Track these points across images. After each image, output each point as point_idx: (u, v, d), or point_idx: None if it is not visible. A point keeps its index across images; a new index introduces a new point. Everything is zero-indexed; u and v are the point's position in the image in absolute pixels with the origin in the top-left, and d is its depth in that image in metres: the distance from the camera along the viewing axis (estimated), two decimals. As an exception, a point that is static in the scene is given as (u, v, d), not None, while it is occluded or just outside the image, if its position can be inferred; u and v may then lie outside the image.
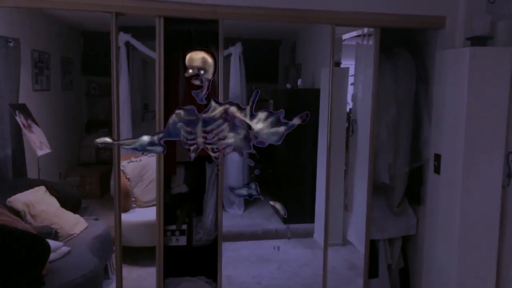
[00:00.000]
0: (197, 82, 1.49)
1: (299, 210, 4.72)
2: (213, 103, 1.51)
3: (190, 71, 1.45)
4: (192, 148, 1.56)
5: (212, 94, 2.82)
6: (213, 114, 1.52)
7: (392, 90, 3.00)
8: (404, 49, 3.05)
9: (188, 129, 1.52)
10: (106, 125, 5.73)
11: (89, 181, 5.09)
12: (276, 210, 1.80)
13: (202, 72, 1.48)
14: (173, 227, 2.99)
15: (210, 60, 1.48)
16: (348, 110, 4.22)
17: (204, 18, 2.57)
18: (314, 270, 3.84)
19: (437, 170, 2.87)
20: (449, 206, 2.75)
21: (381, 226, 3.12)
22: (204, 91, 1.50)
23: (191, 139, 1.53)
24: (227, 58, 4.91)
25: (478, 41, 2.61)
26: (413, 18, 2.80)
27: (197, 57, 1.47)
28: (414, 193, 3.16)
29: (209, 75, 1.47)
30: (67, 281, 2.71)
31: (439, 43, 2.89)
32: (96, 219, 3.89)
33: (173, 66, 2.76)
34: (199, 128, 1.52)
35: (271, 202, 1.75)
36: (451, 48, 2.80)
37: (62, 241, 3.15)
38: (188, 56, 1.46)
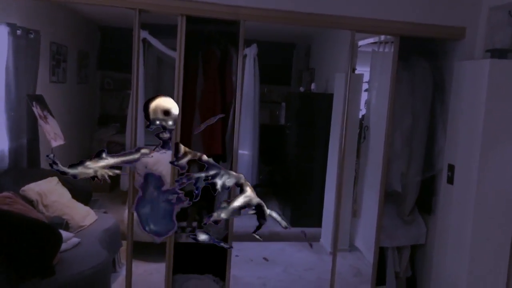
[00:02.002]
0: (166, 136, 1.40)
1: (307, 214, 4.72)
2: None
3: (157, 122, 1.35)
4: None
5: (230, 95, 2.85)
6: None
7: (408, 99, 3.01)
8: (422, 59, 3.05)
9: None
10: (118, 120, 5.77)
11: (99, 175, 5.11)
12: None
13: (170, 123, 1.39)
14: (184, 224, 3.01)
15: (175, 106, 1.39)
16: (360, 116, 4.23)
17: (226, 19, 2.59)
18: (319, 274, 3.84)
19: (450, 180, 2.87)
20: (461, 217, 2.75)
21: (390, 234, 3.12)
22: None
23: None
24: (242, 59, 4.93)
25: (498, 53, 2.61)
26: (433, 27, 2.80)
27: (162, 106, 1.37)
28: (425, 202, 3.16)
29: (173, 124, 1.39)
30: (77, 272, 2.73)
31: (458, 54, 2.89)
32: (105, 212, 3.92)
33: (192, 66, 2.79)
34: None
35: (269, 212, 1.65)
36: (470, 59, 2.80)
37: (73, 232, 3.19)
38: (155, 107, 1.34)
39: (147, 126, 1.39)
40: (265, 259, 4.16)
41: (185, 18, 2.54)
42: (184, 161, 1.38)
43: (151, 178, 1.37)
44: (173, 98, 2.68)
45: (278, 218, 1.54)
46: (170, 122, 1.30)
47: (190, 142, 2.81)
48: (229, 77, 2.83)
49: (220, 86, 2.84)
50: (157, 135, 1.34)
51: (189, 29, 2.60)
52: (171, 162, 1.38)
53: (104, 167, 1.35)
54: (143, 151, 1.37)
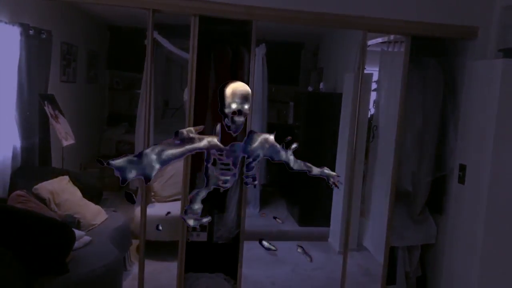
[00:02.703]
0: (241, 120, 1.43)
1: (315, 214, 4.73)
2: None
3: (234, 106, 1.37)
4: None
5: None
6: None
7: (419, 99, 3.01)
8: (433, 58, 3.05)
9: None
10: (127, 119, 5.80)
11: (108, 174, 5.13)
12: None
13: (246, 106, 1.42)
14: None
15: (250, 91, 1.42)
16: (369, 116, 4.23)
17: (239, 19, 2.60)
18: (328, 273, 3.84)
19: (461, 180, 2.87)
20: (472, 217, 2.75)
21: (401, 233, 3.12)
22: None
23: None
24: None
25: (511, 53, 2.60)
26: (445, 27, 2.80)
27: (240, 91, 1.40)
28: (436, 202, 3.16)
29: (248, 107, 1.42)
30: (89, 270, 2.75)
31: (470, 53, 2.88)
32: (114, 211, 3.94)
33: (204, 66, 2.80)
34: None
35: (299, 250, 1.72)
36: (483, 59, 2.80)
37: (84, 231, 3.21)
38: (232, 91, 1.38)
39: (221, 111, 1.42)
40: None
41: (198, 18, 2.55)
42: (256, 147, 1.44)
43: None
44: (185, 98, 2.71)
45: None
46: (246, 106, 1.35)
47: (202, 141, 2.82)
48: (241, 77, 2.84)
49: (232, 86, 2.85)
50: (231, 118, 1.37)
51: (201, 29, 2.62)
52: (244, 151, 1.44)
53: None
54: (209, 139, 1.42)
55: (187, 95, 2.61)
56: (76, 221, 3.24)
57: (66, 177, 3.58)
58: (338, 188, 1.71)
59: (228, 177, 1.50)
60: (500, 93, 2.54)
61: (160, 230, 2.14)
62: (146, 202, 4.10)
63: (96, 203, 3.65)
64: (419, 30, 2.78)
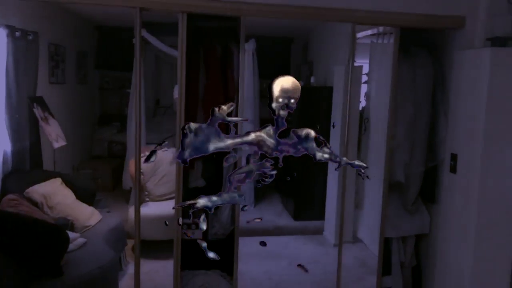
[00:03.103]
0: (285, 113, 1.43)
1: (310, 207, 4.75)
2: None
3: (280, 100, 1.38)
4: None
5: (232, 90, 2.85)
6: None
7: (409, 90, 3.02)
8: (422, 49, 3.06)
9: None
10: (118, 119, 5.78)
11: (101, 174, 5.13)
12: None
13: (292, 101, 1.43)
14: (189, 220, 3.02)
15: (298, 85, 1.43)
16: (360, 108, 4.24)
17: (227, 15, 2.59)
18: (324, 266, 3.87)
19: (453, 169, 2.89)
20: (465, 205, 2.77)
21: (395, 224, 3.14)
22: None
23: None
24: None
25: (498, 41, 2.62)
26: (433, 18, 2.81)
27: (287, 85, 1.41)
28: (428, 192, 3.18)
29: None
30: (85, 272, 2.75)
31: (458, 43, 2.90)
32: (108, 212, 3.93)
33: (193, 63, 2.79)
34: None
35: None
36: (471, 48, 2.81)
37: (78, 233, 3.19)
38: (280, 86, 1.38)
39: (268, 105, 1.43)
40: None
41: (186, 15, 2.54)
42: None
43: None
44: (175, 96, 2.70)
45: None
46: (292, 100, 1.36)
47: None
48: (231, 73, 2.83)
49: (222, 82, 2.85)
50: (278, 112, 1.37)
51: (190, 26, 2.60)
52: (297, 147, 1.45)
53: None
54: (257, 133, 1.43)
55: (177, 93, 2.60)
56: (70, 223, 3.23)
57: (58, 179, 3.56)
58: (369, 179, 1.73)
59: (274, 172, 1.53)
60: (489, 81, 2.56)
61: (167, 225, 2.17)
62: (140, 201, 4.11)
63: (90, 204, 3.64)
64: (407, 21, 2.79)
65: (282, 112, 1.33)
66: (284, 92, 1.35)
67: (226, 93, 2.80)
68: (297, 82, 1.36)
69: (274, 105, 1.36)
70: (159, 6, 2.48)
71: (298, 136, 1.46)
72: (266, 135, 1.42)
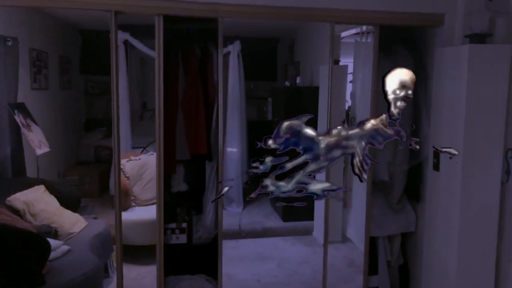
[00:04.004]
0: (402, 105, 1.41)
1: (298, 208, 4.70)
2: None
3: (397, 92, 1.36)
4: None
5: (212, 93, 2.83)
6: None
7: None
8: (403, 47, 3.06)
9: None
10: (104, 124, 5.72)
11: (88, 180, 5.08)
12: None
13: (409, 92, 1.43)
14: (173, 225, 3.00)
15: (413, 77, 1.41)
16: (347, 108, 4.23)
17: (204, 17, 2.57)
18: (313, 267, 3.85)
19: (436, 167, 2.88)
20: (448, 203, 2.77)
21: (380, 223, 3.13)
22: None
23: None
24: (226, 56, 4.91)
25: (476, 38, 2.62)
26: (412, 15, 2.81)
27: (402, 77, 1.40)
28: (413, 190, 3.17)
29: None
30: (67, 280, 2.71)
31: (437, 40, 2.90)
32: (95, 218, 3.89)
33: (172, 65, 2.77)
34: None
35: None
36: (450, 45, 2.81)
37: (62, 240, 3.15)
38: (397, 78, 1.37)
39: (385, 98, 1.42)
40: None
41: (162, 18, 2.51)
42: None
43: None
44: (151, 99, 2.67)
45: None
46: (410, 92, 1.34)
47: (174, 142, 2.79)
48: (211, 75, 2.81)
49: (202, 84, 2.83)
50: (395, 103, 1.34)
51: (168, 28, 2.58)
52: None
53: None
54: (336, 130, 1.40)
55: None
56: (53, 230, 3.18)
57: (42, 187, 3.51)
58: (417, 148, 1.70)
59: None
60: (468, 78, 2.55)
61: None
62: (126, 206, 4.07)
63: (74, 210, 3.59)
64: (386, 20, 2.78)
65: (399, 104, 1.33)
66: (402, 83, 1.36)
67: (206, 96, 2.78)
68: (411, 74, 1.36)
69: (391, 97, 1.35)
70: (134, 9, 2.45)
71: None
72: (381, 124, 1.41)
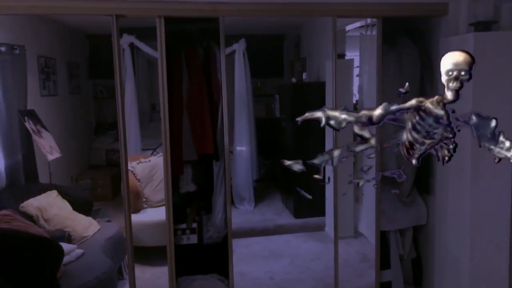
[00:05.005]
0: (456, 86, 1.36)
1: (310, 204, 4.71)
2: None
3: (450, 73, 1.33)
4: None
5: (217, 92, 2.83)
6: None
7: (396, 80, 2.98)
8: (407, 38, 3.02)
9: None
10: (115, 128, 5.76)
11: (100, 184, 5.13)
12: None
13: (463, 73, 1.40)
14: (184, 226, 3.02)
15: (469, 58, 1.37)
16: (354, 101, 4.20)
17: (204, 17, 2.57)
18: (326, 263, 3.83)
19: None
20: (459, 195, 2.73)
21: (391, 217, 3.11)
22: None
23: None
24: (231, 55, 4.91)
25: (481, 26, 2.57)
26: (415, 6, 2.77)
27: (457, 57, 1.37)
28: (423, 182, 3.14)
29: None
30: (82, 283, 2.75)
31: (442, 30, 2.85)
32: (108, 221, 3.93)
33: (176, 66, 2.78)
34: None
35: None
36: (455, 34, 2.76)
37: (76, 244, 3.19)
38: (450, 59, 1.34)
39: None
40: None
41: (164, 19, 2.52)
42: None
43: None
44: (159, 100, 2.68)
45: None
46: (463, 73, 1.31)
47: (181, 143, 2.80)
48: (215, 75, 2.81)
49: (206, 84, 2.83)
50: (447, 85, 1.29)
51: (170, 30, 2.59)
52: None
53: None
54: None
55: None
56: (67, 235, 3.22)
57: (54, 192, 3.56)
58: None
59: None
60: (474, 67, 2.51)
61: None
62: (137, 208, 4.11)
63: (87, 214, 3.63)
64: (389, 11, 2.75)
65: (452, 85, 1.28)
66: (455, 65, 1.33)
67: (210, 96, 2.79)
68: (466, 55, 1.31)
69: (444, 79, 1.32)
70: (134, 12, 2.47)
71: None
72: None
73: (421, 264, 3.28)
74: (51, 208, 3.37)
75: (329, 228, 4.43)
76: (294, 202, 4.80)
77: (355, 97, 4.20)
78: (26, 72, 3.75)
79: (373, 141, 1.32)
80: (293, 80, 5.04)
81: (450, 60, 1.33)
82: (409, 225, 3.16)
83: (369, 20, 3.58)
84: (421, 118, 1.32)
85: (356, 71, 4.11)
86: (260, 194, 5.32)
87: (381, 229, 3.06)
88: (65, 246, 2.97)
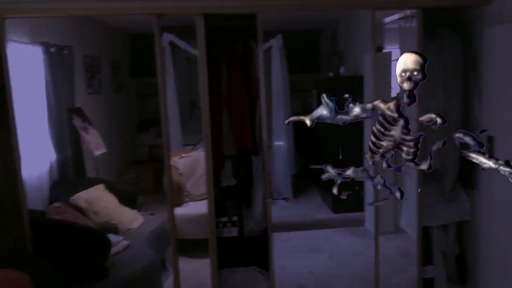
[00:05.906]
0: (409, 86, 1.39)
1: (348, 200, 4.66)
2: None
3: (408, 74, 1.36)
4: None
5: (255, 89, 2.87)
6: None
7: (438, 73, 2.91)
8: (449, 29, 2.94)
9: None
10: (157, 124, 5.92)
11: (143, 178, 5.31)
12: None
13: (415, 73, 1.43)
14: (225, 219, 3.08)
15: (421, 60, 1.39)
16: (394, 95, 4.13)
17: (242, 13, 2.61)
18: (366, 258, 3.80)
19: (490, 152, 2.76)
20: (505, 189, 2.64)
21: (433, 212, 3.05)
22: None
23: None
24: (268, 51, 4.93)
25: (529, 14, 2.47)
26: (457, -4, 2.70)
27: (413, 59, 1.40)
28: (467, 177, 3.06)
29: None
30: (129, 273, 2.87)
31: (486, 19, 2.75)
32: (151, 214, 4.06)
33: (215, 63, 2.83)
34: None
35: None
36: (500, 24, 2.67)
37: (122, 236, 3.33)
38: (402, 61, 1.37)
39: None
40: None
41: (203, 17, 2.58)
42: None
43: None
44: (199, 97, 2.75)
45: None
46: (415, 73, 1.34)
47: (221, 138, 2.86)
48: (253, 71, 2.85)
49: (245, 81, 2.87)
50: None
51: (209, 27, 2.64)
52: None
53: None
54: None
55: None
56: (114, 227, 3.36)
57: (102, 185, 3.72)
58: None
59: None
60: (521, 57, 2.42)
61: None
62: (180, 202, 4.22)
63: (132, 207, 3.78)
64: (430, 2, 2.69)
65: (405, 85, 1.30)
66: (407, 66, 1.35)
67: (249, 92, 2.83)
68: (418, 55, 1.32)
69: (398, 80, 1.35)
70: (175, 10, 2.54)
71: None
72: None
73: (466, 260, 3.20)
74: (99, 201, 3.53)
75: (369, 224, 4.39)
76: (332, 197, 4.77)
77: (394, 91, 4.13)
78: (73, 71, 3.94)
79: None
80: (330, 74, 5.00)
81: (402, 62, 1.31)
82: (452, 220, 3.09)
83: (408, 12, 3.50)
84: (378, 121, 1.33)
85: (394, 64, 4.03)
86: (298, 189, 5.34)
87: (423, 225, 3.01)
88: (112, 237, 3.11)
